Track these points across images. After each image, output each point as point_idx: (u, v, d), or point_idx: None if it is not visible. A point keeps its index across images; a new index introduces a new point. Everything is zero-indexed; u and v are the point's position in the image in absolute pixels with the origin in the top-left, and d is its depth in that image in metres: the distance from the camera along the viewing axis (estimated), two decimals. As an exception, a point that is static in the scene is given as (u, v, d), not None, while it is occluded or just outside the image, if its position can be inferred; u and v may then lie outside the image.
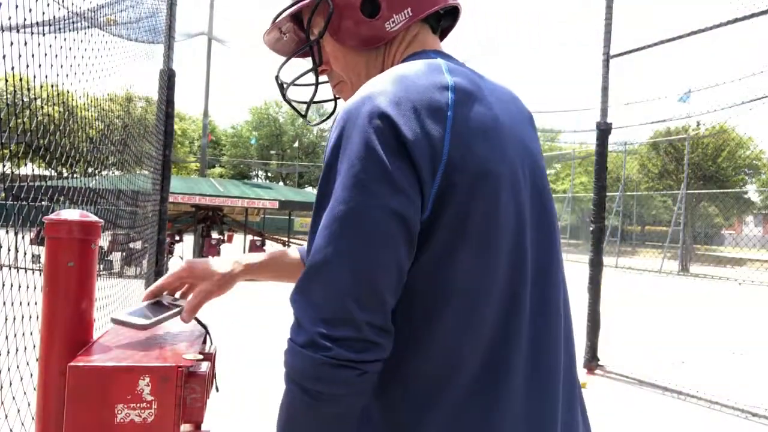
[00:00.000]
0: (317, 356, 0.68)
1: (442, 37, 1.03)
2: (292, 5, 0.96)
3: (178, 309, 1.04)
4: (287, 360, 0.73)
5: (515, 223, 0.79)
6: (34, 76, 1.90)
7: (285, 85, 1.02)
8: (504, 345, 0.78)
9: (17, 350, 1.82)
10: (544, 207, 0.87)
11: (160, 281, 1.03)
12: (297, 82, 1.03)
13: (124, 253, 4.52)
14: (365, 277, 0.70)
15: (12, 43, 1.69)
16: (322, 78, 1.02)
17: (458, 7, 0.99)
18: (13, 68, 1.72)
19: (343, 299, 0.69)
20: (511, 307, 0.78)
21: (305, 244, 0.93)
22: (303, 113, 1.08)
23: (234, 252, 15.39)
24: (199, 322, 1.15)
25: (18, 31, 1.79)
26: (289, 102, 1.06)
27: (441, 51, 0.93)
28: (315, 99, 1.04)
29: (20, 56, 1.75)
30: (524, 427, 0.79)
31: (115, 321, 0.96)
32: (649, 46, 5.35)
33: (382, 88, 0.76)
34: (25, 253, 2.03)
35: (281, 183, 48.11)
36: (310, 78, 1.01)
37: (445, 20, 1.00)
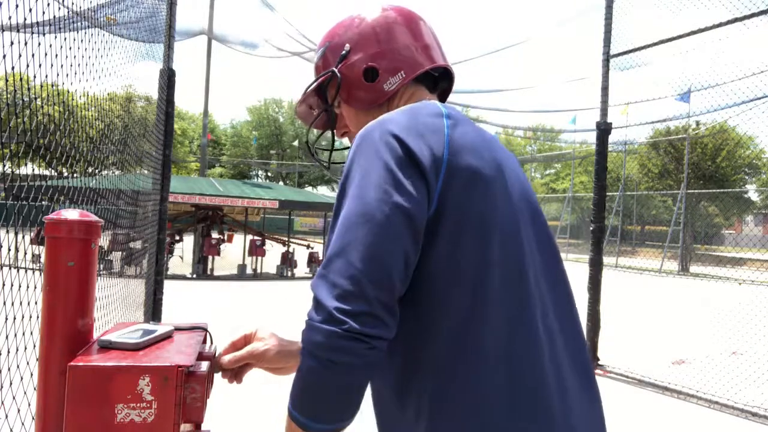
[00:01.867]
0: (333, 329, 0.79)
1: (443, 97, 1.23)
2: (313, 82, 1.18)
3: (169, 330, 1.04)
4: (305, 336, 0.83)
5: (510, 220, 0.93)
6: (35, 76, 1.89)
7: (312, 150, 1.26)
8: (511, 323, 0.89)
9: (17, 350, 1.82)
10: (538, 214, 1.02)
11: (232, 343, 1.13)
12: (325, 148, 1.30)
13: (124, 253, 4.51)
14: (376, 260, 0.82)
15: (12, 43, 1.69)
16: (345, 140, 1.25)
17: (449, 69, 1.18)
18: (13, 68, 1.72)
19: (357, 278, 0.81)
20: (516, 290, 0.91)
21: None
22: (327, 167, 1.31)
23: (234, 251, 15.38)
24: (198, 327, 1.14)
25: (18, 31, 1.79)
26: (320, 162, 1.28)
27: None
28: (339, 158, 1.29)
29: (20, 56, 1.75)
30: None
31: (103, 343, 0.93)
32: (649, 46, 5.35)
33: (390, 118, 0.95)
34: (25, 253, 2.03)
35: (281, 183, 48.09)
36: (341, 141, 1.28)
37: (442, 82, 1.20)
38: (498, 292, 0.88)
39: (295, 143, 46.83)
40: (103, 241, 3.28)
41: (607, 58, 5.55)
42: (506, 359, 0.87)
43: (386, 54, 1.10)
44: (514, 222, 0.93)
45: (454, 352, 0.87)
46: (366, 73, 1.10)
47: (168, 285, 4.61)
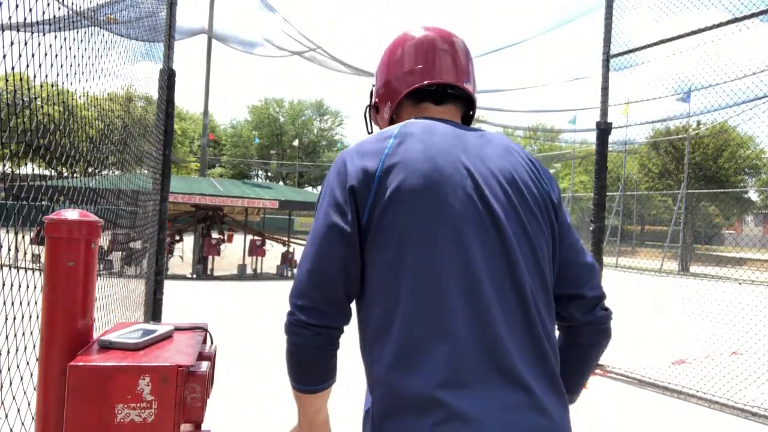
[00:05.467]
0: (290, 318, 1.08)
1: (470, 101, 1.31)
2: (366, 108, 1.43)
3: (169, 330, 1.04)
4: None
5: (434, 232, 1.02)
6: (35, 76, 1.89)
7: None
8: (433, 315, 1.00)
9: (17, 350, 1.82)
10: (499, 220, 1.06)
11: None
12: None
13: (124, 253, 4.51)
14: (320, 270, 1.07)
15: (12, 43, 1.69)
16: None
17: (446, 84, 1.24)
18: (13, 68, 1.72)
19: (306, 283, 1.07)
20: (433, 300, 1.01)
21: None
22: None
23: (235, 251, 15.36)
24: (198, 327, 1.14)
25: (18, 31, 1.79)
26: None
27: (424, 116, 1.23)
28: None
29: (20, 56, 1.75)
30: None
31: (103, 343, 0.93)
32: (649, 46, 5.35)
33: (355, 147, 1.14)
34: (25, 253, 2.03)
35: (281, 183, 48.06)
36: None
37: (455, 89, 1.27)
38: (410, 301, 1.00)
39: (295, 143, 46.76)
40: (103, 241, 3.28)
41: (607, 58, 5.55)
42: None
43: (380, 89, 1.33)
44: (442, 233, 1.03)
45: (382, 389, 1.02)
46: (375, 106, 1.36)
47: (168, 285, 4.61)
